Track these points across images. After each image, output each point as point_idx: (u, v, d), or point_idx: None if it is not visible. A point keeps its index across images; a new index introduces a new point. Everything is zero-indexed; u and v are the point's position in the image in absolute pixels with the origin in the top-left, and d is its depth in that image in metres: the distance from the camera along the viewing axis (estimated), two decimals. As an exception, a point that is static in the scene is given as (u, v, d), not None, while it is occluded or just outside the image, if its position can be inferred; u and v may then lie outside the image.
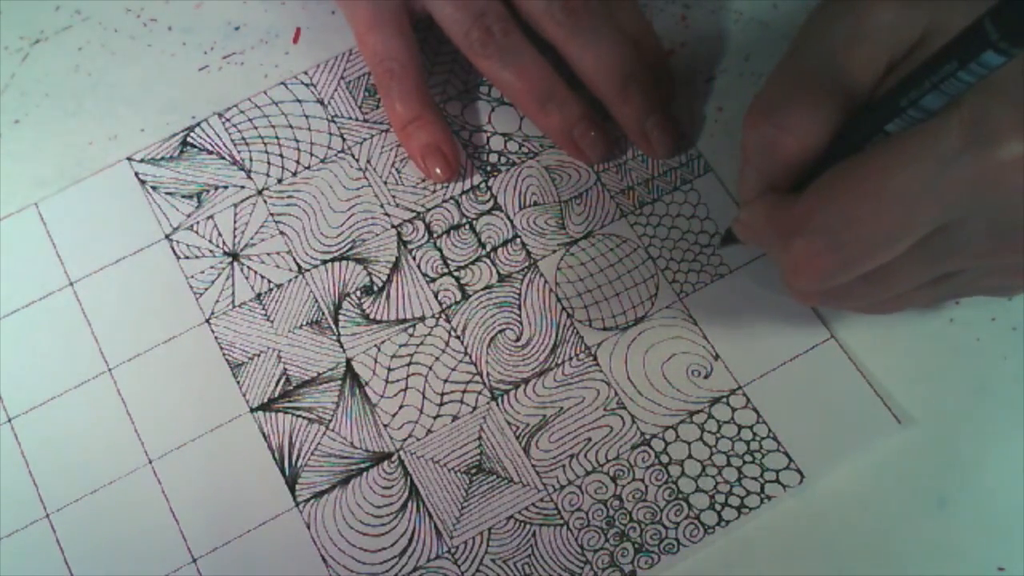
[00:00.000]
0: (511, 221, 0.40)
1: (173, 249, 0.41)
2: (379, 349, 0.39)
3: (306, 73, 0.43)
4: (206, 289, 0.40)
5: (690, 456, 0.37)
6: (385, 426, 0.38)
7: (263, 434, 0.38)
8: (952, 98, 0.27)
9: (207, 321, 0.39)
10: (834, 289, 0.32)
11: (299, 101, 0.43)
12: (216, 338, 0.39)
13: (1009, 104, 0.27)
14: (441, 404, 0.38)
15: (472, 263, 0.40)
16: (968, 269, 0.31)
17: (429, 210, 0.41)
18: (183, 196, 0.41)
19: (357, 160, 0.42)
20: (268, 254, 0.40)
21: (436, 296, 0.39)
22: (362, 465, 0.37)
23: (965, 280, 0.32)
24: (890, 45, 0.30)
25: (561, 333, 0.39)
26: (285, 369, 0.39)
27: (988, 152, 0.27)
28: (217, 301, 0.40)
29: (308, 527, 0.37)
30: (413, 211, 0.41)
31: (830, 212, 0.29)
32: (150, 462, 0.38)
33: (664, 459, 0.37)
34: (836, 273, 0.30)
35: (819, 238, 0.29)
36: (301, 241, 0.40)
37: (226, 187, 0.41)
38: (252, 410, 0.38)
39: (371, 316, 0.39)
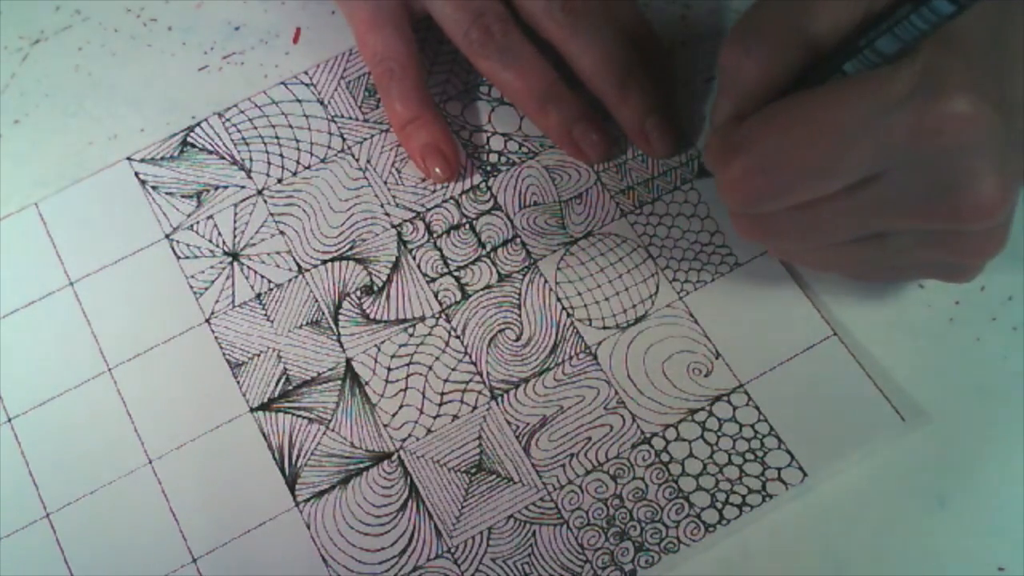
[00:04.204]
0: (511, 221, 0.40)
1: (173, 249, 0.41)
2: (379, 349, 0.39)
3: (306, 73, 0.43)
4: (206, 289, 0.40)
5: (691, 454, 0.37)
6: (385, 426, 0.38)
7: (263, 434, 0.38)
8: (905, 44, 0.28)
9: (207, 321, 0.39)
10: (769, 221, 0.32)
11: (299, 101, 0.43)
12: (216, 338, 0.39)
13: (963, 62, 0.27)
14: (441, 404, 0.38)
15: (472, 263, 0.40)
16: (902, 232, 0.31)
17: (429, 210, 0.41)
18: (183, 196, 0.41)
19: (357, 160, 0.42)
20: (268, 254, 0.40)
21: (436, 296, 0.39)
22: (362, 465, 0.37)
23: (901, 246, 0.32)
24: None
25: (561, 332, 0.39)
26: (285, 369, 0.39)
27: (933, 103, 0.27)
28: (217, 301, 0.40)
29: (308, 527, 0.37)
30: (413, 211, 0.41)
31: (768, 136, 0.30)
32: (150, 462, 0.38)
33: (665, 457, 0.37)
34: (765, 197, 0.31)
35: (754, 160, 0.30)
36: (301, 241, 0.40)
37: (226, 187, 0.41)
38: (252, 410, 0.38)
39: (371, 316, 0.39)
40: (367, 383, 0.38)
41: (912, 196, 0.29)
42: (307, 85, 0.43)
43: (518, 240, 0.40)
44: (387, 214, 0.41)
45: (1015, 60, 0.29)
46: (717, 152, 0.32)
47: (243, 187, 0.41)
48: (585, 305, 0.39)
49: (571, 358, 0.38)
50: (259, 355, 0.39)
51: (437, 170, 0.40)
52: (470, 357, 0.38)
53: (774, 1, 0.31)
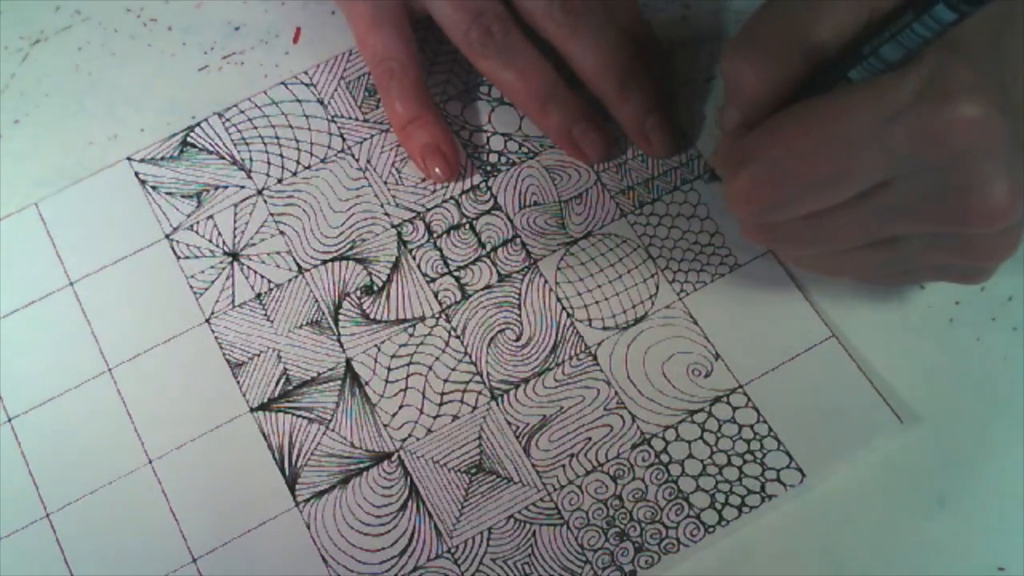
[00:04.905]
0: (511, 221, 0.40)
1: (173, 249, 0.41)
2: (379, 349, 0.39)
3: (306, 73, 0.43)
4: (206, 289, 0.40)
5: (691, 455, 0.37)
6: (385, 426, 0.38)
7: (263, 434, 0.38)
8: (909, 51, 0.28)
9: (207, 321, 0.39)
10: (778, 229, 0.32)
11: (299, 101, 0.43)
12: (216, 338, 0.39)
13: (968, 67, 0.27)
14: (441, 404, 0.38)
15: (472, 263, 0.40)
16: (913, 237, 0.31)
17: (429, 210, 0.41)
18: (183, 196, 0.41)
19: (357, 160, 0.42)
20: (268, 254, 0.40)
21: (436, 296, 0.39)
22: (362, 465, 0.37)
23: (912, 251, 0.32)
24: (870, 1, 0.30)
25: (561, 333, 0.39)
26: (285, 369, 0.39)
27: (939, 108, 0.27)
28: (217, 301, 0.40)
29: (308, 527, 0.37)
30: (413, 211, 0.41)
31: (774, 147, 0.30)
32: (150, 462, 0.38)
33: (664, 458, 0.37)
34: (773, 207, 0.31)
35: (762, 169, 0.30)
36: (301, 241, 0.40)
37: (226, 187, 0.41)
38: (252, 410, 0.38)
39: (371, 316, 0.39)
40: (367, 383, 0.38)
41: (922, 201, 0.29)
42: (307, 85, 0.43)
43: (518, 240, 0.40)
44: (387, 214, 0.41)
45: (1018, 63, 0.29)
46: (725, 162, 0.32)
47: (243, 187, 0.41)
48: (585, 305, 0.39)
49: (571, 358, 0.38)
50: (259, 355, 0.39)
51: (437, 170, 0.40)
52: (470, 357, 0.38)
53: (776, 9, 0.31)
